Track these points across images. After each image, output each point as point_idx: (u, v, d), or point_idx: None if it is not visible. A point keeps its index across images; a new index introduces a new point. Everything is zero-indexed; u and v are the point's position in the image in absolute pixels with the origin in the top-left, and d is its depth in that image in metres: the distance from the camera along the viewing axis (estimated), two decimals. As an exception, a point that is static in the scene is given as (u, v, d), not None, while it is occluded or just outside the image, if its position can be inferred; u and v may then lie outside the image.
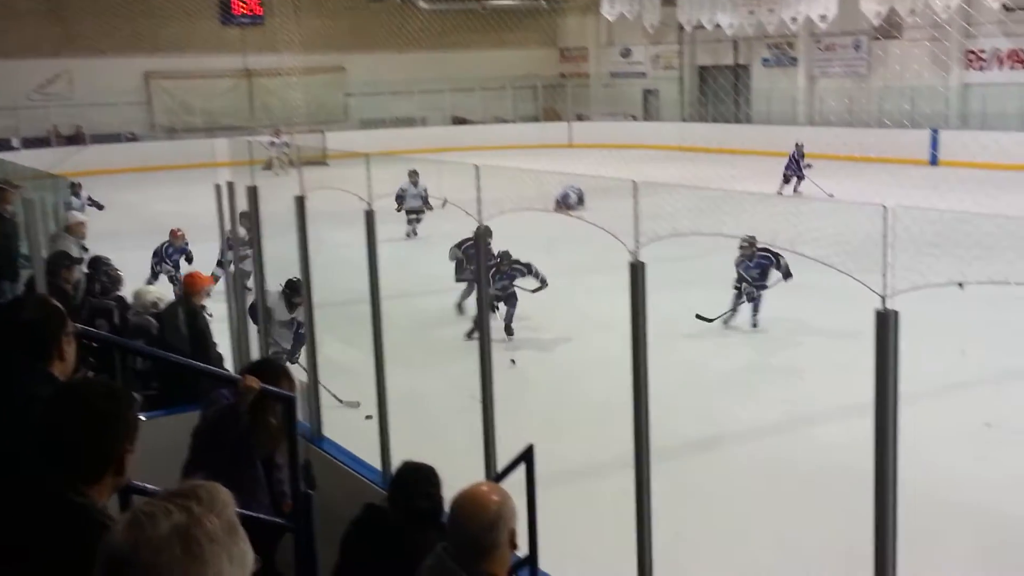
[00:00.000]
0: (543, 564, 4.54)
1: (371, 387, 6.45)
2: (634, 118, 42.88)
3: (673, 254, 12.65)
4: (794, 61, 37.73)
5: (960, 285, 4.23)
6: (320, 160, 23.62)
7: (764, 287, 13.23)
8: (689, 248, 12.79)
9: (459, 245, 13.66)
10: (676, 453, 8.66)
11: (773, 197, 22.65)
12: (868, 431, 3.63)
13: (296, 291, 9.36)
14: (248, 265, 8.75)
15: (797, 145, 25.17)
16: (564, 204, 21.54)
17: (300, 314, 9.50)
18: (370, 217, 6.29)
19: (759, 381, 11.28)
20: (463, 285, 13.99)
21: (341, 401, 9.70)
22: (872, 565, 3.62)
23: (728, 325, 13.35)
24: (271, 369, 4.83)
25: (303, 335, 9.37)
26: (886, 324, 3.57)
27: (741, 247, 12.91)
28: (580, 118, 43.13)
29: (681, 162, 32.76)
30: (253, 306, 9.02)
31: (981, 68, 31.68)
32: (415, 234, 20.91)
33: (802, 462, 8.94)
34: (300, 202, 6.93)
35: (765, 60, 38.88)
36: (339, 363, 9.63)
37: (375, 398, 6.42)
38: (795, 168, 24.97)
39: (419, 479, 4.47)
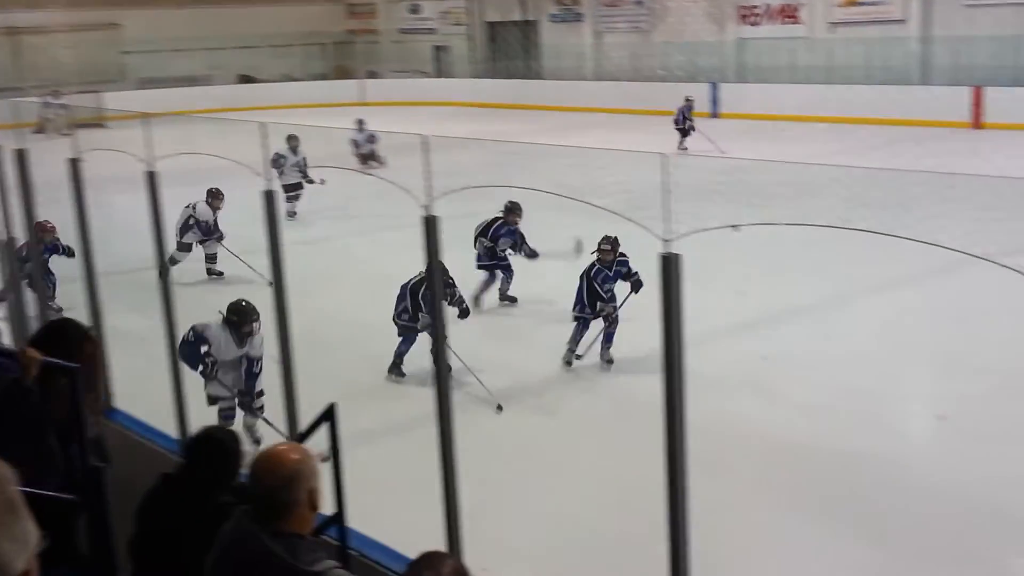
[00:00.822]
0: (353, 522, 4.55)
1: (164, 355, 6.30)
2: (426, 75, 42.75)
3: (473, 210, 12.83)
4: (580, 17, 38.31)
5: (735, 227, 4.45)
6: (96, 122, 22.55)
7: (616, 307, 9.93)
8: (493, 203, 13.01)
9: (485, 231, 11.86)
10: (477, 404, 8.81)
11: (563, 150, 22.96)
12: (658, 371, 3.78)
13: (246, 317, 8.02)
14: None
15: (687, 99, 24.84)
16: (358, 149, 21.20)
17: (254, 346, 8.12)
18: (151, 179, 6.09)
19: (547, 331, 11.47)
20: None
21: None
22: (665, 498, 3.78)
23: (571, 366, 10.09)
24: (64, 335, 4.57)
25: (258, 373, 8.11)
26: (669, 267, 3.72)
27: (600, 250, 9.83)
28: (372, 76, 42.67)
29: (474, 118, 33.05)
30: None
31: (754, 23, 32.98)
32: (294, 214, 17.31)
33: (600, 405, 9.26)
34: (74, 165, 6.62)
35: (552, 16, 39.33)
36: (128, 332, 9.21)
37: (169, 366, 6.26)
38: (685, 122, 24.59)
39: (214, 444, 4.38)
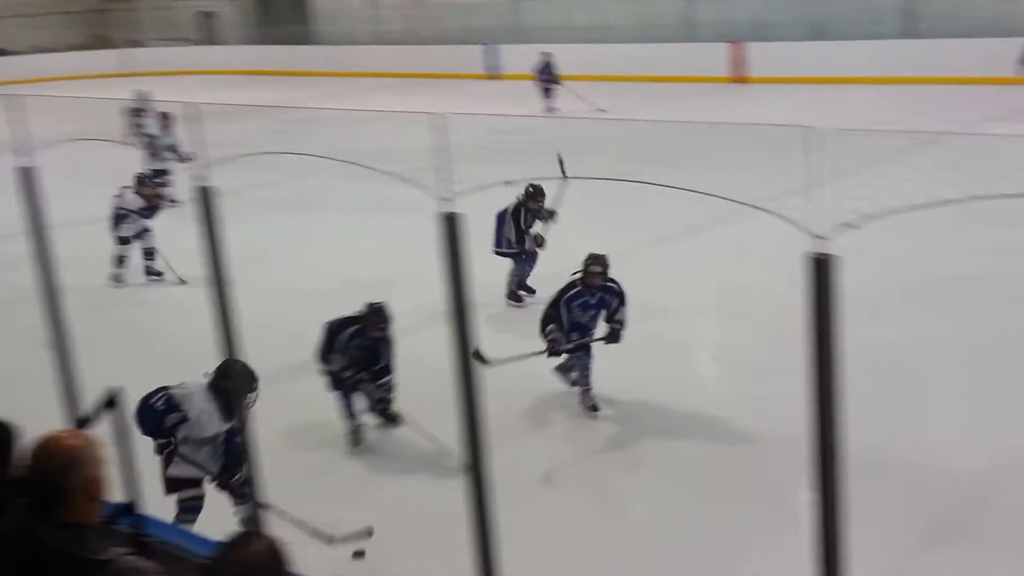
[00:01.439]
0: (151, 509, 4.42)
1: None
2: (192, 42, 41.32)
3: (255, 181, 12.60)
4: (352, -20, 37.85)
5: (509, 183, 4.54)
6: None
7: (590, 341, 7.95)
8: (273, 173, 12.83)
9: (515, 214, 10.55)
10: (274, 379, 8.65)
11: (345, 115, 22.78)
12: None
13: (245, 385, 5.80)
14: None
15: (543, 54, 24.22)
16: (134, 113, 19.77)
17: (242, 418, 5.97)
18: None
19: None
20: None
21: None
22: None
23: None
24: None
25: (238, 444, 5.92)
26: (450, 225, 3.78)
27: (587, 272, 7.67)
28: (133, 44, 40.91)
29: (246, 86, 32.30)
30: None
31: (528, -16, 33.37)
32: (172, 201, 14.18)
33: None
34: None
35: (324, -21, 38.71)
36: None
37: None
38: (547, 79, 23.99)
39: None
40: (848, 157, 12.60)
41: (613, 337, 7.78)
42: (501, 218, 10.53)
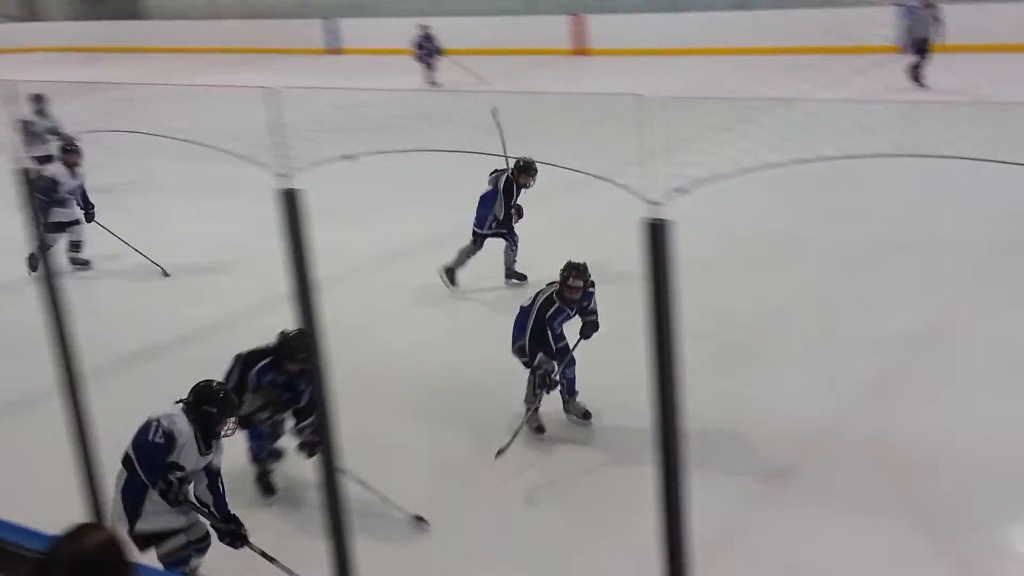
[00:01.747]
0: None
1: None
2: (12, 19, 39.39)
3: (91, 162, 12.08)
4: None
5: (349, 158, 4.49)
6: None
7: (554, 367, 7.06)
8: (113, 154, 12.34)
9: (507, 191, 9.95)
10: (112, 369, 8.36)
11: (178, 92, 22.15)
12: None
13: (226, 410, 5.46)
14: None
15: (421, 26, 23.85)
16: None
17: (217, 455, 5.59)
18: None
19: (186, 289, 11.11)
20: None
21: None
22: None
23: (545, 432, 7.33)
24: None
25: (222, 488, 5.57)
26: (288, 203, 3.72)
27: (566, 286, 6.91)
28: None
29: (72, 64, 31.08)
30: None
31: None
32: None
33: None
34: None
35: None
36: None
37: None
38: (427, 52, 23.59)
39: None
40: (684, 125, 12.91)
41: (589, 330, 7.20)
42: (490, 197, 10.01)
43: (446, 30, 28.42)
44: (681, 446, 2.95)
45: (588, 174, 3.79)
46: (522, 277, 10.17)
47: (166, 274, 10.85)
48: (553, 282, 7.01)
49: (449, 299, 9.88)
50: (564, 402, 7.30)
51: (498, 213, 9.97)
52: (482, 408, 7.54)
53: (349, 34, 31.29)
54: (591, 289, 7.10)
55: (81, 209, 11.05)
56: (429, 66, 23.52)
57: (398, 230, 12.09)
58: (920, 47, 18.21)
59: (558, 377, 7.01)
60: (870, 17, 21.75)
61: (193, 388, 5.46)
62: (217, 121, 14.27)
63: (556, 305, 6.99)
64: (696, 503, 3.07)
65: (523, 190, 10.04)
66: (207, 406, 5.39)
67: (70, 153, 11.02)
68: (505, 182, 9.94)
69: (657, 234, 2.94)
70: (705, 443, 5.93)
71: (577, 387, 7.31)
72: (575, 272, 6.89)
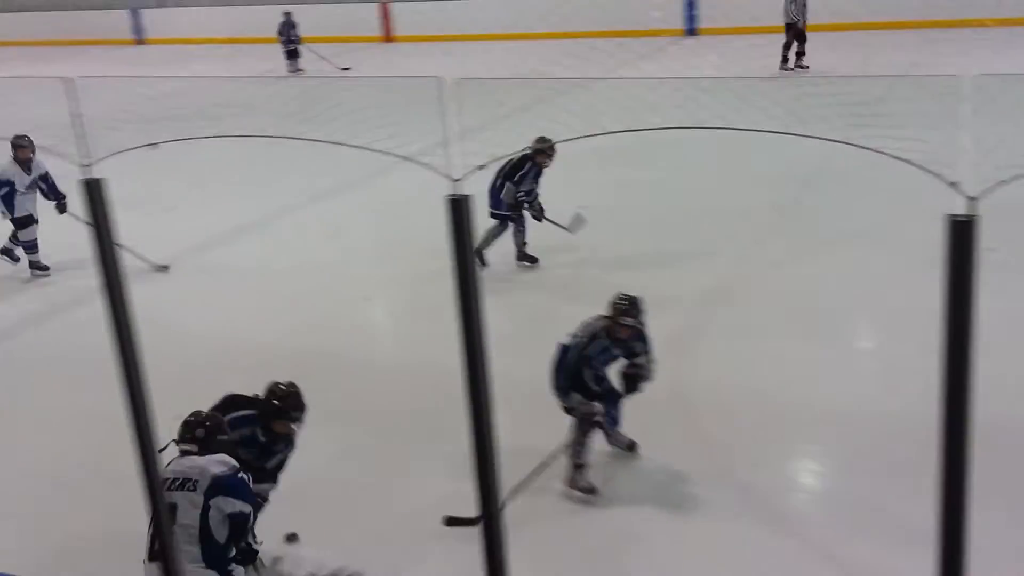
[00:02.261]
0: None
1: None
2: None
3: None
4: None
5: (152, 146, 4.33)
6: None
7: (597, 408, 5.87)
8: None
9: (513, 172, 9.10)
10: None
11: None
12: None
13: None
14: None
15: (285, 14, 22.69)
16: None
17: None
18: None
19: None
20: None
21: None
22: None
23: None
24: None
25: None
26: (91, 192, 3.54)
27: (617, 321, 5.67)
28: None
29: None
30: None
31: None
32: None
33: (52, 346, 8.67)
34: None
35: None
36: None
37: None
38: (289, 40, 22.61)
39: None
40: (485, 107, 12.95)
41: (633, 384, 5.93)
42: (509, 178, 9.17)
43: (253, 18, 27.67)
44: (489, 409, 2.95)
45: (396, 155, 3.72)
46: (533, 260, 9.53)
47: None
48: (603, 315, 5.79)
49: (254, 279, 9.69)
50: (606, 435, 6.12)
51: (507, 198, 9.21)
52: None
53: (153, 25, 30.12)
54: (644, 333, 5.83)
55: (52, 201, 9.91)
56: (291, 55, 22.60)
57: (206, 216, 11.76)
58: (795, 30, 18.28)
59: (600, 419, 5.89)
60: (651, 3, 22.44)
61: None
62: (17, 113, 13.47)
63: (601, 341, 5.78)
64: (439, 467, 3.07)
65: (543, 171, 9.32)
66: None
67: (19, 148, 9.80)
68: (532, 166, 9.16)
69: (459, 209, 2.93)
70: (513, 405, 5.96)
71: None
72: (629, 307, 5.67)
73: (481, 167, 3.04)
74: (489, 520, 3.12)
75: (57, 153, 3.71)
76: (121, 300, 3.70)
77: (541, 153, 9.03)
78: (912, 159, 2.68)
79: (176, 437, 4.53)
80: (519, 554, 3.15)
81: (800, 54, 18.22)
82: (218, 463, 4.47)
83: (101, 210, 3.58)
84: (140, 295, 3.67)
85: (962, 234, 2.36)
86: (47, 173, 9.86)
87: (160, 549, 3.83)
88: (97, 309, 3.73)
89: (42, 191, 9.87)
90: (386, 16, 27.49)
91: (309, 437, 5.27)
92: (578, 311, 5.93)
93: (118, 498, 4.63)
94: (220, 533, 4.35)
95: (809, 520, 5.56)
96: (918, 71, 15.63)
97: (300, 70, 22.57)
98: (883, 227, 9.57)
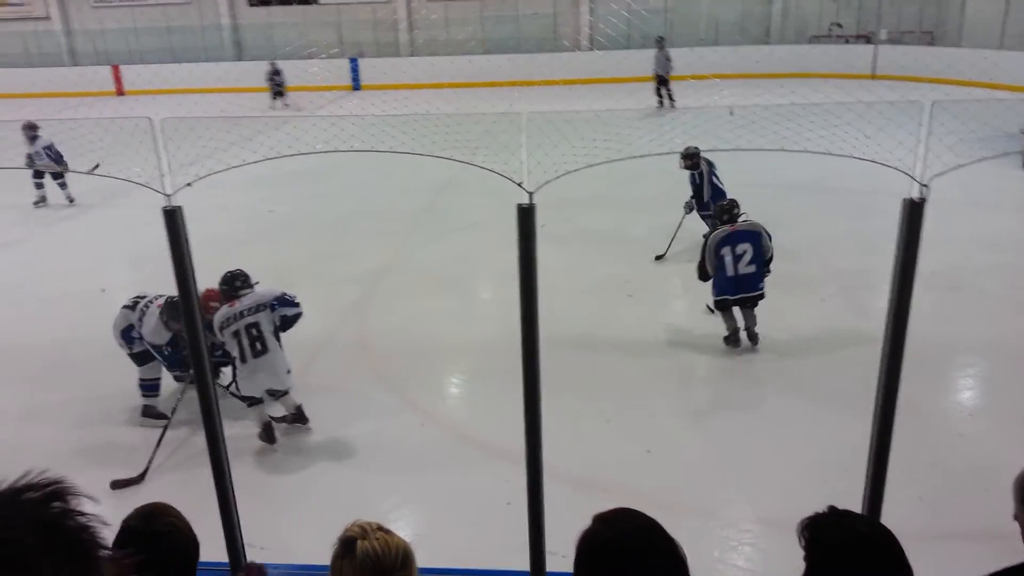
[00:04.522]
0: None
1: None
2: None
3: None
4: None
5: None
6: None
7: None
8: None
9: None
10: None
11: None
12: None
13: None
14: None
15: (271, 63, 20.60)
16: None
17: None
18: None
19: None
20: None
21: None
22: None
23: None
24: None
25: None
26: None
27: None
28: None
29: None
30: None
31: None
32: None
33: None
34: None
35: None
36: None
37: None
38: (276, 85, 20.14)
39: None
40: (192, 141, 12.08)
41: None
42: (706, 181, 8.16)
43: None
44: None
45: (124, 180, 3.38)
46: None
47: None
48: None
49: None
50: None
51: (701, 197, 8.25)
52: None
53: None
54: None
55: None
56: (278, 95, 20.26)
57: None
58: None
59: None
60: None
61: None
62: None
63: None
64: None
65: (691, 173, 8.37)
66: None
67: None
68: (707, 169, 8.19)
69: (172, 219, 2.72)
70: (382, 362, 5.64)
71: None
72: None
73: (188, 185, 2.82)
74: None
75: None
76: None
77: (690, 159, 8.26)
78: (496, 169, 2.79)
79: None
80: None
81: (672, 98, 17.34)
82: (270, 291, 5.24)
83: None
84: None
85: (525, 216, 2.49)
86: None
87: None
88: None
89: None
90: (117, 76, 24.90)
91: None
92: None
93: None
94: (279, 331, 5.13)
95: (456, 412, 5.69)
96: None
97: (288, 105, 20.02)
98: (488, 218, 9.94)
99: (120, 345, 5.54)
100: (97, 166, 8.41)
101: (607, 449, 5.09)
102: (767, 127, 3.70)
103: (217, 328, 5.08)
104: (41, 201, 11.34)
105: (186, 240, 2.72)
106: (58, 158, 10.77)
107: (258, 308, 5.10)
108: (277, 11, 25.12)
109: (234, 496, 3.01)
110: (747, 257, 6.13)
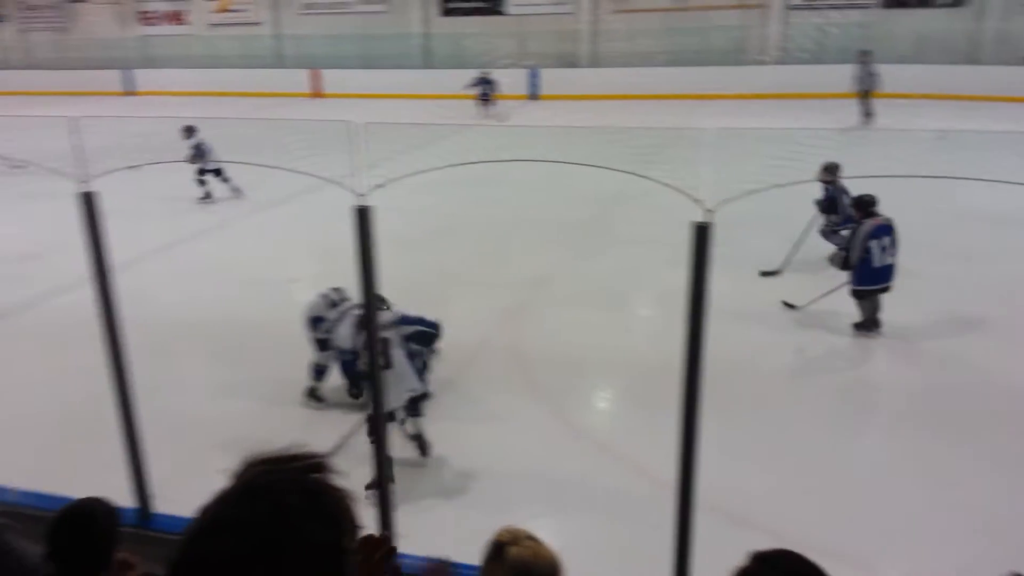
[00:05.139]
0: None
1: None
2: None
3: None
4: (2, 18, 32.15)
5: (135, 167, 4.10)
6: None
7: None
8: None
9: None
10: None
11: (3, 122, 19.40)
12: None
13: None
14: None
15: (483, 72, 20.92)
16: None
17: None
18: None
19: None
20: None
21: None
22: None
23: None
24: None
25: None
26: (87, 203, 3.35)
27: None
28: None
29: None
30: None
31: (152, 24, 30.31)
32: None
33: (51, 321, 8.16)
34: None
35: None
36: None
37: None
38: (485, 95, 20.55)
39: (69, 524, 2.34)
40: (385, 143, 12.75)
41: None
42: (838, 198, 8.07)
43: (215, 77, 26.64)
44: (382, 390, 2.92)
45: (319, 177, 3.65)
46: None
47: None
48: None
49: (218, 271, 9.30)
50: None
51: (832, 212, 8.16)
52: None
53: (143, 80, 28.71)
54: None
55: None
56: (487, 103, 20.40)
57: (182, 222, 11.30)
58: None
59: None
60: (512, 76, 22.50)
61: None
62: (29, 145, 12.65)
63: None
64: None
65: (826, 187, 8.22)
66: None
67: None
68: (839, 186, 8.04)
69: (363, 217, 2.91)
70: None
71: None
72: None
73: (380, 187, 3.01)
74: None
75: (61, 173, 3.49)
76: (108, 288, 3.54)
77: (827, 172, 8.06)
78: (672, 184, 2.78)
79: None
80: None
81: None
82: (400, 311, 5.28)
83: (95, 217, 3.42)
84: (125, 281, 3.52)
85: (702, 235, 2.47)
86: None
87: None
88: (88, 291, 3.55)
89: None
90: (315, 78, 26.85)
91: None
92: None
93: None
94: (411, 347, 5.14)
95: (600, 431, 5.68)
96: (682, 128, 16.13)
97: (494, 115, 20.04)
98: (658, 234, 9.80)
99: (305, 325, 5.94)
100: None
101: (763, 481, 4.89)
102: (976, 152, 3.43)
103: (352, 340, 5.37)
104: (206, 197, 12.26)
105: (373, 238, 2.91)
106: (206, 154, 11.87)
107: (388, 326, 5.14)
108: (466, 21, 26.09)
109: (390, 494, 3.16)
110: (891, 249, 6.58)
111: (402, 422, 5.18)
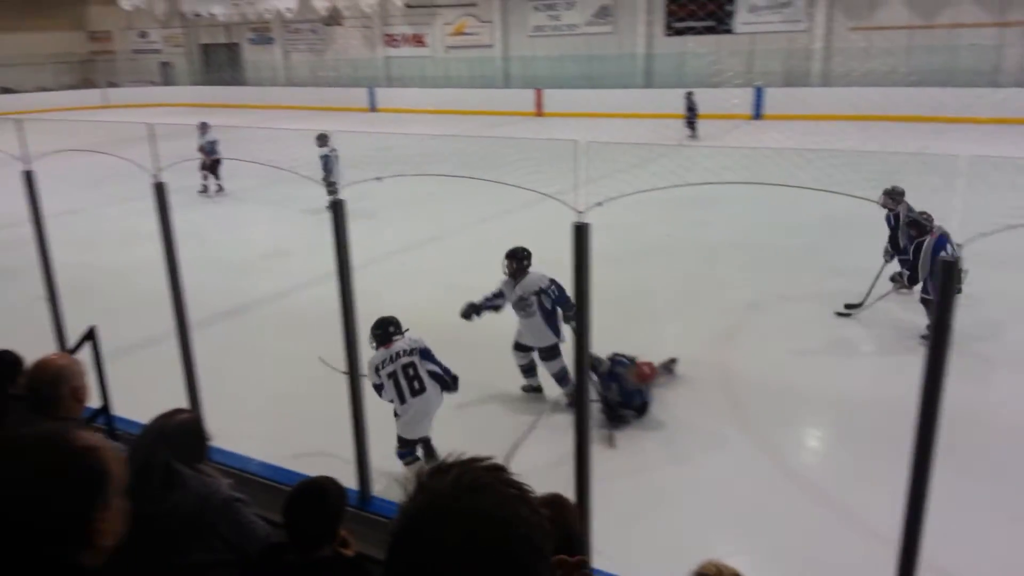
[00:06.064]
0: (120, 412, 4.21)
1: None
2: (155, 84, 38.85)
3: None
4: (271, 40, 36.32)
5: (377, 179, 4.44)
6: None
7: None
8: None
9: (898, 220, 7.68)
10: (211, 321, 8.27)
11: (263, 133, 21.82)
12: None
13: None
14: None
15: (689, 92, 20.68)
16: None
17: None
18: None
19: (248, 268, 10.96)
20: None
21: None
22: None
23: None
24: None
25: None
26: (337, 210, 3.68)
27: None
28: (111, 85, 38.17)
29: (194, 115, 30.51)
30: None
31: (395, 46, 32.75)
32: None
33: (296, 311, 9.01)
34: None
35: (251, 39, 36.99)
36: None
37: None
38: (691, 115, 20.18)
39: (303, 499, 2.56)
40: (605, 162, 12.87)
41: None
42: (901, 224, 7.63)
43: (447, 97, 28.26)
44: (587, 389, 2.95)
45: (542, 193, 3.77)
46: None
47: None
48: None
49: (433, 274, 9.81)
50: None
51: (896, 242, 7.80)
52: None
53: (383, 98, 31.12)
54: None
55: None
56: (692, 124, 20.07)
57: (412, 228, 12.03)
58: None
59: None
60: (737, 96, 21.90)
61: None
62: (288, 154, 14.13)
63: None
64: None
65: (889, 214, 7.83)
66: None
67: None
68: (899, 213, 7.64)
69: (581, 233, 2.97)
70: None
71: None
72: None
73: (599, 204, 3.06)
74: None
75: (314, 180, 3.87)
76: (350, 284, 3.87)
77: (889, 197, 7.72)
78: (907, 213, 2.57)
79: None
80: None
81: None
82: (418, 339, 5.05)
83: (342, 222, 3.76)
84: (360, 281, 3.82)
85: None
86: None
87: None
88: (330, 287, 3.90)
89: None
90: (538, 98, 27.70)
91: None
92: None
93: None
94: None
95: (811, 470, 5.35)
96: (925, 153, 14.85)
97: (696, 137, 19.80)
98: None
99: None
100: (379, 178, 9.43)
101: (1006, 550, 4.36)
102: None
103: (372, 371, 4.89)
104: (204, 191, 14.65)
105: (589, 254, 2.96)
106: (212, 151, 14.30)
107: (411, 351, 4.96)
108: (692, 40, 25.76)
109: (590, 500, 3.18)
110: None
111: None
